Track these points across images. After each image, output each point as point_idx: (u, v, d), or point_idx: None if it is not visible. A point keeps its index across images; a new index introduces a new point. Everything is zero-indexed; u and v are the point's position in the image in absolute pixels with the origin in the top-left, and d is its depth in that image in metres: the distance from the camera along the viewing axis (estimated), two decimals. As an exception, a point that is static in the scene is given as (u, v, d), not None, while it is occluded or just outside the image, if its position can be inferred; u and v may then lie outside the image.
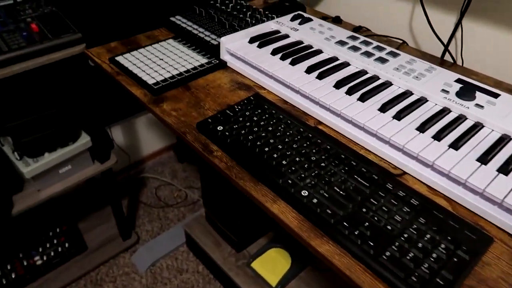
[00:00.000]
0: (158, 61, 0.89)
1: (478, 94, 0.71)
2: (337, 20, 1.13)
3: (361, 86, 0.75)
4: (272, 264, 1.29)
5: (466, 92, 0.71)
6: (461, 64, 0.97)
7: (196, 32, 0.99)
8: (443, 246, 0.51)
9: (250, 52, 0.86)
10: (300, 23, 0.96)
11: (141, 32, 1.05)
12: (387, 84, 0.76)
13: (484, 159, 0.59)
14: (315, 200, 0.57)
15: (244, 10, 1.08)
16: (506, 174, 0.57)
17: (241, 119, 0.72)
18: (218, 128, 0.70)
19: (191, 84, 0.84)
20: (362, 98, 0.72)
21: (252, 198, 0.61)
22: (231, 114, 0.73)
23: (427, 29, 1.00)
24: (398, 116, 0.68)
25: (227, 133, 0.69)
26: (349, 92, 0.74)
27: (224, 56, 0.90)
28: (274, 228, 1.43)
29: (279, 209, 0.58)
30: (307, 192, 0.58)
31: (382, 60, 0.81)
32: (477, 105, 0.69)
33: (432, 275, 0.48)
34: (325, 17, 1.13)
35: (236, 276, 1.26)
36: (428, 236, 0.52)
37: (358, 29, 1.09)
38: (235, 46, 0.88)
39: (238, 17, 1.05)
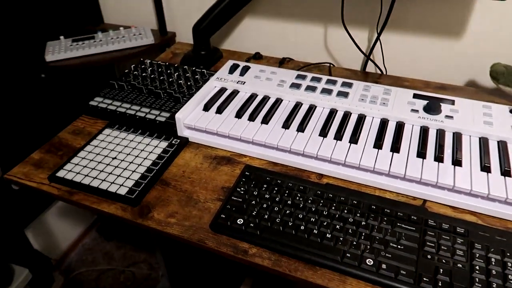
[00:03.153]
0: (112, 161, 0.76)
1: (442, 105, 0.79)
2: (258, 57, 1.12)
3: (344, 127, 0.76)
4: (266, 311, 1.25)
5: (433, 106, 0.78)
6: (385, 73, 1.07)
7: (132, 112, 0.87)
8: (509, 264, 0.56)
9: (214, 122, 0.79)
10: (241, 74, 0.92)
11: (58, 128, 0.87)
12: (363, 118, 0.79)
13: (487, 168, 0.66)
14: (384, 266, 0.56)
15: (168, 71, 0.99)
16: (510, 176, 0.65)
17: (253, 202, 0.66)
18: (238, 222, 0.63)
19: (166, 178, 0.74)
20: (354, 140, 0.73)
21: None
22: (240, 200, 0.67)
23: (345, 46, 1.07)
24: (396, 149, 0.71)
25: (251, 224, 0.63)
26: (338, 137, 0.74)
27: (183, 132, 0.81)
28: (248, 273, 1.38)
29: (354, 288, 0.56)
30: (371, 261, 0.57)
31: (344, 95, 0.84)
32: (446, 116, 0.77)
33: (523, 297, 0.52)
34: (248, 58, 1.11)
35: None
36: (493, 260, 0.56)
37: (283, 61, 1.10)
38: (192, 118, 0.80)
39: (167, 81, 0.95)
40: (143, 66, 1.02)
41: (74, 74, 1.24)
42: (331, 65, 1.07)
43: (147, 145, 0.79)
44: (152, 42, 1.19)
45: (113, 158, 0.76)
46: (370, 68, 1.09)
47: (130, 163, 0.75)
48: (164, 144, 0.80)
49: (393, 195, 0.69)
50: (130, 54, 1.15)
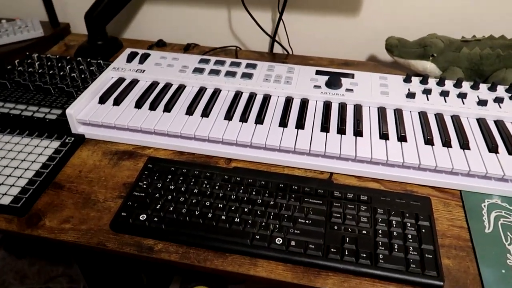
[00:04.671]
0: (-7, 169, 0.67)
1: (342, 79, 0.81)
2: (161, 44, 1.07)
3: (249, 109, 0.75)
4: (197, 306, 1.21)
5: (334, 81, 0.79)
6: (292, 53, 1.07)
7: (17, 111, 0.77)
8: (408, 224, 0.58)
9: (111, 115, 0.73)
10: (140, 63, 0.86)
11: None
12: (268, 98, 0.78)
13: (385, 135, 0.69)
14: (293, 243, 0.55)
15: (60, 65, 0.90)
16: (405, 141, 0.68)
17: (157, 195, 0.62)
18: (141, 218, 0.59)
19: (60, 180, 0.67)
20: (259, 121, 0.72)
21: (230, 274, 0.55)
22: (142, 195, 0.62)
23: (250, 29, 1.05)
24: (301, 125, 0.71)
25: (155, 219, 0.58)
26: (244, 119, 0.72)
27: (78, 129, 0.74)
28: (176, 271, 1.33)
29: (265, 270, 0.54)
30: (280, 239, 0.56)
31: (248, 76, 0.82)
32: (347, 89, 0.79)
33: (421, 254, 0.54)
34: (150, 46, 1.05)
35: None
36: (394, 222, 0.58)
37: (188, 48, 1.05)
38: (87, 113, 0.74)
39: (59, 76, 0.86)
40: (29, 61, 0.91)
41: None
42: (238, 48, 1.05)
43: (35, 146, 0.71)
44: (41, 35, 1.07)
45: (-5, 165, 0.67)
46: (278, 49, 1.09)
47: (15, 168, 0.67)
48: (56, 144, 0.72)
49: (302, 171, 0.69)
50: (15, 49, 1.03)
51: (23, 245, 1.48)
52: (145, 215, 0.59)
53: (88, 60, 0.91)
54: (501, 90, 0.78)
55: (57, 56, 0.93)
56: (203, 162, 0.70)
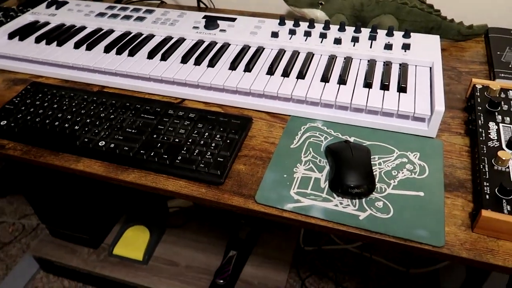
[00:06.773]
0: None
1: (220, 22, 0.88)
2: (98, -1, 1.18)
3: (128, 44, 0.84)
4: (132, 242, 1.33)
5: (210, 22, 0.86)
6: (213, 7, 1.14)
7: None
8: (218, 136, 0.65)
9: (13, 47, 0.85)
10: (56, 8, 0.98)
11: None
12: (149, 37, 0.87)
13: (233, 66, 0.76)
14: (112, 145, 0.65)
15: (-4, 12, 1.03)
16: (249, 71, 0.75)
17: (23, 108, 0.73)
18: (2, 123, 0.70)
19: (-41, 97, 0.80)
20: (131, 53, 0.81)
21: (57, 168, 0.65)
22: (11, 107, 0.74)
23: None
24: (164, 57, 0.79)
25: (12, 124, 0.70)
26: (119, 52, 0.82)
27: (-13, 59, 0.87)
28: (124, 211, 1.46)
29: (84, 165, 0.64)
30: (104, 142, 0.66)
31: (140, 19, 0.91)
32: (221, 30, 0.86)
33: (214, 158, 0.62)
34: (84, -2, 1.16)
35: (102, 270, 1.27)
36: (206, 134, 0.66)
37: (119, 1, 1.16)
38: (-6, 46, 0.86)
39: (-10, 20, 1.00)
40: (-27, 9, 1.06)
41: None
42: (163, 3, 1.14)
43: (-51, 72, 0.85)
44: (-2, -10, 1.22)
45: None
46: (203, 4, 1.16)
47: None
48: (-35, 71, 0.85)
49: (159, 97, 0.77)
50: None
51: (5, 184, 1.68)
52: (5, 121, 0.71)
53: (20, 8, 1.04)
54: (365, 33, 0.82)
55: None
56: (81, 88, 0.81)
